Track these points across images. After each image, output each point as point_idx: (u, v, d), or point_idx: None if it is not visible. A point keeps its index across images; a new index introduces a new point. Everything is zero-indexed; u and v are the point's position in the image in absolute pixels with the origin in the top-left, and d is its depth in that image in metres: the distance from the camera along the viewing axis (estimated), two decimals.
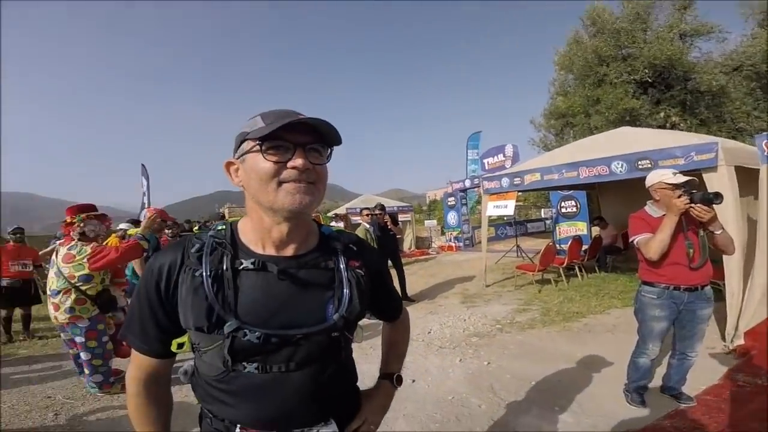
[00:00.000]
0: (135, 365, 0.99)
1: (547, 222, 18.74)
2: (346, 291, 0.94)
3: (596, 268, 8.07)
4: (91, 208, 3.69)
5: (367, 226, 6.42)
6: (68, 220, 3.56)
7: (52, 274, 3.49)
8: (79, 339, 3.43)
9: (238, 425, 0.90)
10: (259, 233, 0.92)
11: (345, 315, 0.92)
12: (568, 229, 11.40)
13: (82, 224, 3.50)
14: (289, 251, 0.93)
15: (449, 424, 2.93)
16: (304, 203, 0.84)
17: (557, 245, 8.25)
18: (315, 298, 0.92)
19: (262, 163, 0.83)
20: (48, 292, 3.49)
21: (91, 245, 3.46)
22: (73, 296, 3.38)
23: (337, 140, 0.88)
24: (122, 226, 5.54)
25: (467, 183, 14.73)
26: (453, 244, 14.83)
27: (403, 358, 1.29)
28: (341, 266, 0.96)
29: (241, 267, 0.89)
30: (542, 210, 21.47)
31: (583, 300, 6.15)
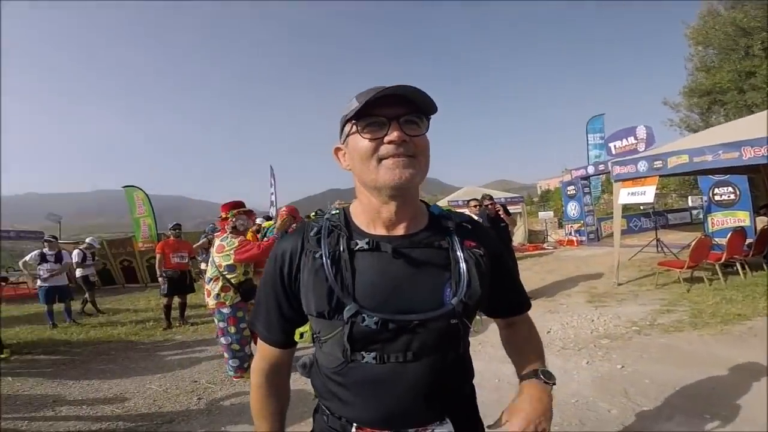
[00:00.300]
0: (260, 356, 1.02)
1: (694, 212, 16.08)
2: (464, 272, 0.86)
3: (764, 266, 6.70)
4: (241, 204, 4.19)
5: (475, 218, 6.18)
6: (223, 215, 4.07)
7: (209, 263, 4.04)
8: (222, 324, 3.88)
9: (354, 424, 0.88)
10: (369, 214, 0.90)
11: (464, 299, 0.85)
12: (724, 220, 9.64)
13: (233, 219, 3.98)
14: (400, 230, 0.90)
15: (571, 427, 2.71)
16: (404, 177, 0.80)
17: (712, 239, 6.99)
18: (431, 281, 0.86)
19: (360, 142, 0.83)
20: (205, 280, 4.04)
21: (239, 239, 3.92)
22: (220, 284, 3.84)
23: (432, 108, 0.84)
24: (257, 220, 6.23)
25: (590, 169, 13.34)
26: (574, 238, 13.57)
27: (543, 356, 1.03)
28: (456, 246, 0.89)
29: (357, 247, 0.87)
30: (689, 198, 18.42)
31: (747, 301, 5.15)
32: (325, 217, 0.95)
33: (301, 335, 0.96)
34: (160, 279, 6.72)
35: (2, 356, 5.10)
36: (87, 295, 8.32)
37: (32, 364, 5.01)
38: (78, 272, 8.25)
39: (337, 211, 0.97)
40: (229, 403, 3.57)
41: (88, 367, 4.80)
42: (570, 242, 13.49)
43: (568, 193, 14.20)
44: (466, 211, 6.72)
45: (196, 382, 4.12)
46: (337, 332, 0.85)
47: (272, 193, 15.39)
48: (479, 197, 6.76)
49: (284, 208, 5.03)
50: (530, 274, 8.53)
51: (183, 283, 6.83)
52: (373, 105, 0.79)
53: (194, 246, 7.53)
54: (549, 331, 4.75)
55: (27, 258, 7.19)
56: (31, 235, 12.22)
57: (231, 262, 3.85)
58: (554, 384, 0.94)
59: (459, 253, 0.88)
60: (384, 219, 0.89)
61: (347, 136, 0.87)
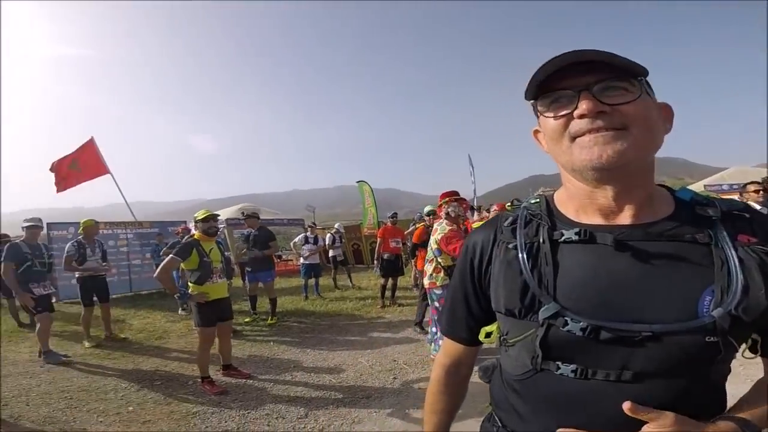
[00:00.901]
0: (443, 350, 0.98)
1: None
2: (737, 275, 0.62)
3: None
4: (455, 193, 4.51)
5: (758, 207, 4.51)
6: (440, 203, 4.46)
7: (428, 245, 4.41)
8: (435, 305, 4.14)
9: None
10: (579, 200, 0.74)
11: (735, 312, 0.61)
12: None
13: (446, 206, 4.28)
14: (625, 219, 0.70)
15: None
16: (606, 156, 0.63)
17: None
18: (679, 283, 0.65)
19: (547, 122, 0.71)
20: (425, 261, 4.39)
21: (451, 227, 4.15)
22: (433, 264, 4.15)
23: (631, 68, 0.65)
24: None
25: None
26: None
27: None
28: (723, 240, 0.66)
29: (562, 239, 0.72)
30: None
31: None
32: (523, 205, 0.84)
33: (487, 335, 0.86)
34: (375, 261, 7.56)
35: (272, 322, 6.52)
36: (332, 274, 9.93)
37: (286, 331, 6.21)
38: (330, 252, 9.95)
39: (537, 200, 0.84)
40: (418, 386, 3.72)
41: (322, 337, 5.71)
42: None
43: None
44: (737, 198, 4.99)
45: (395, 361, 4.45)
46: (529, 334, 0.72)
47: (473, 182, 15.43)
48: (759, 180, 4.93)
49: (496, 206, 5.06)
50: None
51: (396, 265, 7.52)
52: (554, 78, 0.66)
53: (405, 233, 8.24)
54: None
55: (296, 240, 9.26)
56: (294, 222, 15.88)
57: (438, 246, 4.08)
58: None
59: (729, 250, 0.65)
60: (600, 205, 0.71)
61: (537, 116, 0.75)
